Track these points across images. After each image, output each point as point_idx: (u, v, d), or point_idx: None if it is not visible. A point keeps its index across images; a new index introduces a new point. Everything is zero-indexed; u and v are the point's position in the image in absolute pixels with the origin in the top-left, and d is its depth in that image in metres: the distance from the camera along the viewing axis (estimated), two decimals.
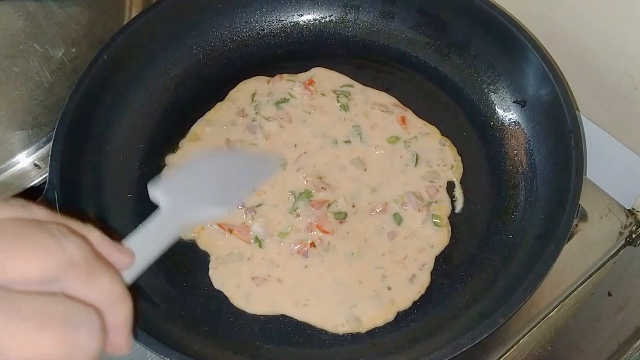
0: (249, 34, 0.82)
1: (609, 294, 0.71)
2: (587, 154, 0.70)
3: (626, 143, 0.69)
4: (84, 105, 0.69)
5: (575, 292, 0.67)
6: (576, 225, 0.70)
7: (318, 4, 0.82)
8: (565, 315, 0.67)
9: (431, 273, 0.65)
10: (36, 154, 0.75)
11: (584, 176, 0.63)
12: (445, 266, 0.66)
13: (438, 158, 0.72)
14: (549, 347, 0.67)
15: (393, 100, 0.77)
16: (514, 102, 0.74)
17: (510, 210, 0.69)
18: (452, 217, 0.69)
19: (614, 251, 0.69)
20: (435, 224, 0.68)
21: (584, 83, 0.71)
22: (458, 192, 0.71)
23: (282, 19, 0.82)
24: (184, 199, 0.56)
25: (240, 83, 0.78)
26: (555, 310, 0.66)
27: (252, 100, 0.77)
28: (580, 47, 0.69)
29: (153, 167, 0.72)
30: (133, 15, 0.79)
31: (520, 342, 0.64)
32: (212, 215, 0.59)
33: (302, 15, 0.82)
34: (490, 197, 0.70)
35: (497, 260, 0.66)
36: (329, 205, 0.69)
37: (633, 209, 0.71)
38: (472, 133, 0.74)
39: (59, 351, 0.26)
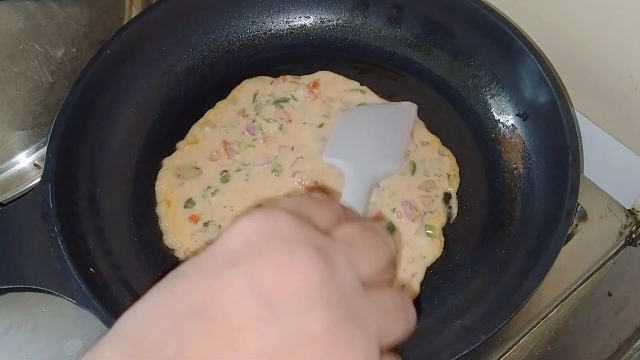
0: (256, 34, 0.82)
1: (609, 294, 0.71)
2: (587, 154, 0.70)
3: (626, 143, 0.69)
4: (84, 98, 0.69)
5: (575, 292, 0.67)
6: (576, 225, 0.70)
7: (326, 6, 0.81)
8: (565, 315, 0.67)
9: (421, 284, 0.65)
10: (36, 154, 0.75)
11: (582, 174, 0.62)
12: (435, 277, 0.65)
13: (436, 168, 0.71)
14: (549, 347, 0.67)
15: None
16: (516, 114, 0.73)
17: (505, 224, 0.68)
18: (446, 228, 0.68)
19: (614, 251, 0.69)
20: (428, 234, 0.67)
21: (584, 83, 0.71)
22: (454, 203, 0.70)
23: (290, 20, 0.82)
24: (362, 160, 0.66)
25: (243, 82, 0.78)
26: (555, 310, 0.66)
27: (254, 100, 0.77)
28: (580, 47, 0.69)
29: (151, 162, 0.72)
30: (133, 15, 0.79)
31: (520, 342, 0.64)
32: (390, 170, 0.69)
33: (309, 17, 0.82)
34: (486, 209, 0.69)
35: (488, 274, 0.65)
36: None
37: (633, 209, 0.71)
38: (473, 144, 0.74)
39: (407, 330, 0.33)
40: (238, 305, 0.27)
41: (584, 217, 0.70)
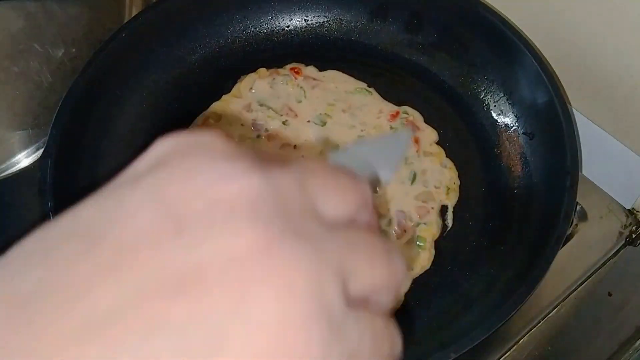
0: (273, 29, 0.81)
1: (609, 294, 0.71)
2: (587, 154, 0.70)
3: (626, 143, 0.69)
4: (96, 78, 0.68)
5: (575, 292, 0.67)
6: (576, 225, 0.70)
7: (346, 8, 0.81)
8: (565, 315, 0.67)
9: (405, 295, 0.63)
10: (36, 154, 0.75)
11: (582, 174, 0.62)
12: (420, 290, 0.64)
13: (436, 179, 0.70)
14: (549, 347, 0.67)
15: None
16: (523, 133, 0.72)
17: (499, 243, 0.67)
18: (439, 241, 0.67)
19: (614, 251, 0.69)
20: (419, 246, 0.66)
21: (584, 83, 0.71)
22: (449, 217, 0.68)
23: (308, 17, 0.81)
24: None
25: (248, 76, 0.77)
26: (555, 310, 0.66)
27: (260, 95, 0.76)
28: (580, 47, 0.69)
29: None
30: (133, 15, 0.79)
31: (520, 342, 0.64)
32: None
33: (327, 16, 0.81)
34: (482, 226, 0.68)
35: (474, 292, 0.64)
36: None
37: (633, 209, 0.71)
38: (477, 159, 0.72)
39: (386, 278, 0.26)
40: (132, 222, 0.21)
41: (584, 217, 0.70)
